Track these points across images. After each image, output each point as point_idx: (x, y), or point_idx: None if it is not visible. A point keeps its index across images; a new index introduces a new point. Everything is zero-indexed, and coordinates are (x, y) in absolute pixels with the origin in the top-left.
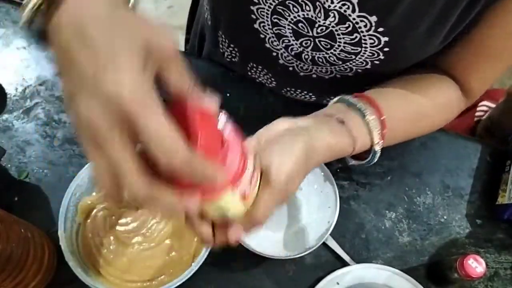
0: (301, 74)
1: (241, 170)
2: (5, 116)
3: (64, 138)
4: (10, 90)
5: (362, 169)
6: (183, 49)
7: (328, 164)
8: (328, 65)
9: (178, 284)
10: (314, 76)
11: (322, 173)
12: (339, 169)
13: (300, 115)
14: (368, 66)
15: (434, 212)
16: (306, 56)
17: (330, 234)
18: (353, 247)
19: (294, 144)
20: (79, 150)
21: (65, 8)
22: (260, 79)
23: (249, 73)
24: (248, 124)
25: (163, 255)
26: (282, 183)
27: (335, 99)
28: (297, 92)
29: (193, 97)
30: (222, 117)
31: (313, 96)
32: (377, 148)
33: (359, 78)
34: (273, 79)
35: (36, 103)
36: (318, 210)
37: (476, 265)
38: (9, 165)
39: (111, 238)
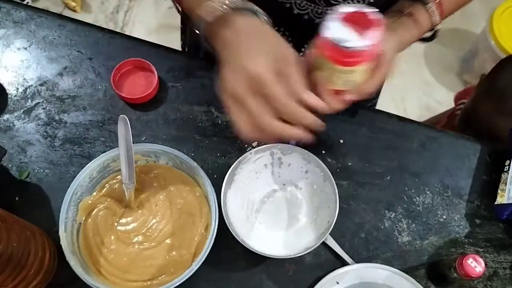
0: (317, 21)
1: (377, 49)
2: (6, 116)
3: (65, 138)
4: (11, 90)
5: (362, 169)
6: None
7: (328, 164)
8: (342, 0)
9: (179, 283)
10: None
11: (322, 173)
12: (339, 169)
13: None
14: None
15: (434, 212)
16: None
17: (330, 234)
18: (353, 246)
19: (391, 39)
20: (80, 150)
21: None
22: None
23: None
24: None
25: (163, 254)
26: (388, 63)
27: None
28: None
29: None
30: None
31: None
32: (438, 27)
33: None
34: (289, 38)
35: (37, 103)
36: (318, 210)
37: (475, 265)
38: (10, 165)
39: (112, 237)
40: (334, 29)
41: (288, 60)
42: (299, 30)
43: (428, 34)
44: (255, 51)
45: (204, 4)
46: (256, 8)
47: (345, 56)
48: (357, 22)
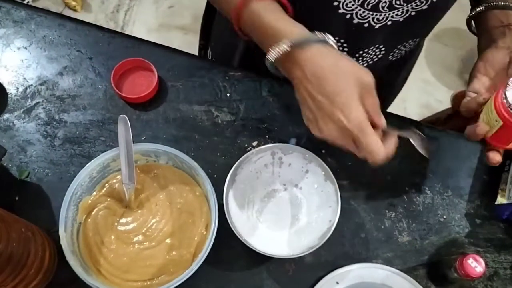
0: (376, 26)
1: None
2: (6, 115)
3: (65, 138)
4: (11, 90)
5: (362, 168)
6: (184, 49)
7: (328, 164)
8: (405, 4)
9: (179, 283)
10: (389, 23)
11: (323, 173)
12: (339, 169)
13: (299, 115)
14: None
15: (434, 212)
16: (383, 4)
17: (331, 234)
18: (353, 246)
19: None
20: (80, 149)
21: (305, 62)
22: None
23: None
24: (248, 124)
25: (163, 254)
26: None
27: (478, 10)
28: (369, 50)
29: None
30: None
31: (383, 50)
32: None
33: (431, 12)
34: (345, 45)
35: (37, 102)
36: (318, 209)
37: (475, 265)
38: (10, 165)
39: (112, 237)
40: None
41: (369, 88)
42: (357, 36)
43: None
44: (344, 96)
45: (271, 48)
46: (323, 36)
47: None
48: None
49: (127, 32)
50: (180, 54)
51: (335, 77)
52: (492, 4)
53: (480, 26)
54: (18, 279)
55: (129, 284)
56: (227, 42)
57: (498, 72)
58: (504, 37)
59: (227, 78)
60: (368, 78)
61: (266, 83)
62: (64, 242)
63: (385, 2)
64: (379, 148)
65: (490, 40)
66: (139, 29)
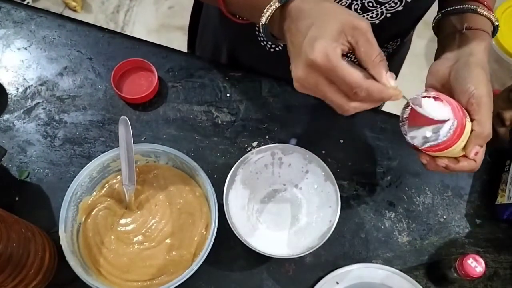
0: None
1: (465, 124)
2: (6, 116)
3: (65, 138)
4: (11, 90)
5: (362, 169)
6: (185, 49)
7: (328, 164)
8: (379, 6)
9: (179, 283)
10: None
11: (323, 173)
12: (339, 169)
13: (299, 115)
14: None
15: (434, 212)
16: (356, 7)
17: (331, 234)
18: (353, 246)
19: (477, 73)
20: (80, 150)
21: (291, 9)
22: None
23: (258, 37)
24: (248, 124)
25: (163, 254)
26: (486, 103)
27: (437, 17)
28: (349, 54)
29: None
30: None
31: None
32: (496, 23)
33: (407, 13)
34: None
35: (37, 103)
36: (318, 209)
37: (475, 265)
38: (10, 165)
39: (112, 237)
40: (411, 132)
41: (362, 31)
42: None
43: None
44: (317, 29)
45: (263, 13)
46: None
47: (437, 147)
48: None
49: (127, 33)
50: (180, 54)
51: (315, 13)
52: (447, 9)
53: (439, 35)
54: (18, 279)
55: (129, 284)
56: (212, 44)
57: (443, 85)
58: (452, 45)
59: (227, 78)
60: (361, 22)
61: (266, 83)
62: (64, 243)
63: (357, 4)
64: (361, 81)
65: (441, 50)
66: (139, 29)
